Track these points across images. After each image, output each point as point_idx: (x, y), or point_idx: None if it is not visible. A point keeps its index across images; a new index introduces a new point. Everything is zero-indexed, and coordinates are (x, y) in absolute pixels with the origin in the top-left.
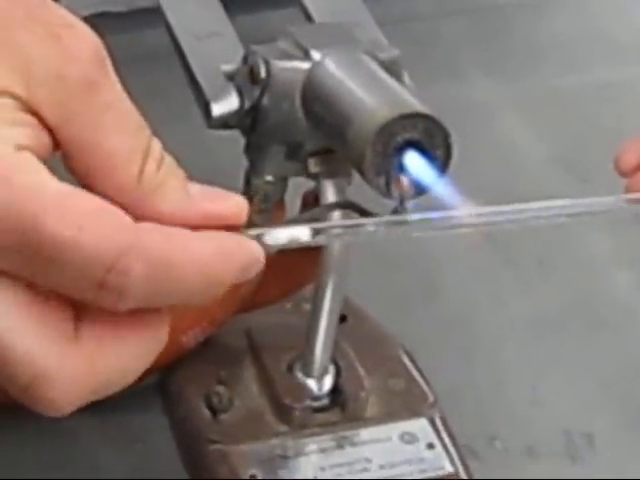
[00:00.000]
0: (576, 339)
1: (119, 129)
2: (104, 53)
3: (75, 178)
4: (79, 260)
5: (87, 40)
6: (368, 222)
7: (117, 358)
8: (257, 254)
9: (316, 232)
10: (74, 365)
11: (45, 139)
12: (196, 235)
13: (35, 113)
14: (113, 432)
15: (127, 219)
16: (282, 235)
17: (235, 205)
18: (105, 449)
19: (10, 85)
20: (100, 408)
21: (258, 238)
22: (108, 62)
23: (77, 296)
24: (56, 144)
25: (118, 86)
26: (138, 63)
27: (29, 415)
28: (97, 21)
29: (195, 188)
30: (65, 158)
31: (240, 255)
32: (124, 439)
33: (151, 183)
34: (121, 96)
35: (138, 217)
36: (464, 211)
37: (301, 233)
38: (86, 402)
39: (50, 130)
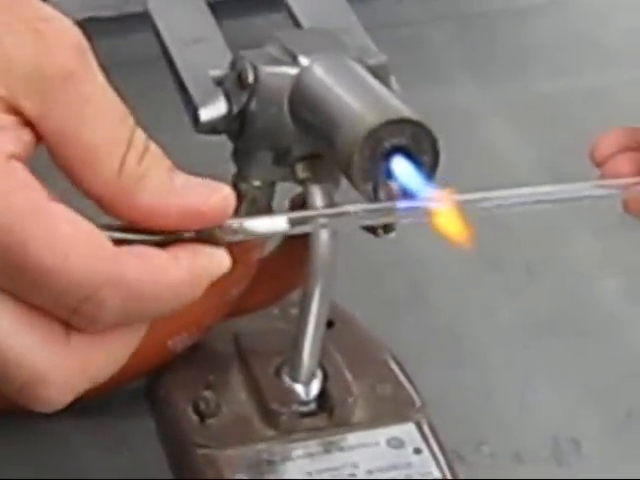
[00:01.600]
0: (564, 345)
1: (100, 121)
2: (85, 44)
3: (60, 169)
4: (59, 287)
5: (66, 32)
6: (345, 210)
7: (105, 354)
8: (226, 266)
9: (294, 222)
10: (66, 365)
11: (27, 136)
12: (171, 260)
13: (14, 109)
14: (101, 436)
15: (110, 248)
16: (261, 225)
17: (219, 202)
18: (92, 453)
19: None
20: (88, 412)
21: (236, 228)
22: (89, 54)
23: (53, 312)
24: (38, 137)
25: (100, 77)
26: (127, 68)
27: (17, 418)
28: (87, 26)
29: (180, 179)
30: (48, 150)
31: (211, 272)
32: (111, 443)
33: (132, 175)
34: (102, 87)
35: (118, 210)
36: (441, 198)
37: (279, 223)
38: (77, 395)
39: (31, 124)
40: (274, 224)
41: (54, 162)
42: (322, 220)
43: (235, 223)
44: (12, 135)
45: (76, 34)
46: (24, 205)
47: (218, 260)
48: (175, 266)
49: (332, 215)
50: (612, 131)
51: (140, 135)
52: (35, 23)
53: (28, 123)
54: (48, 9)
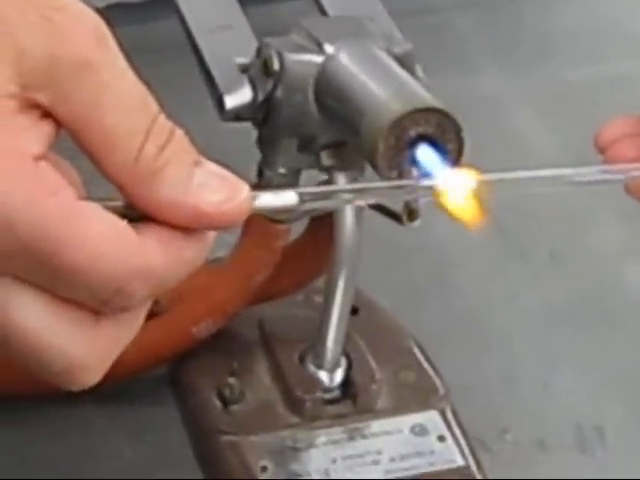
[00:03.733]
0: (588, 332)
1: (117, 108)
2: (104, 31)
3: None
4: (92, 284)
5: (82, 19)
6: (357, 187)
7: (130, 331)
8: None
9: (302, 198)
10: (99, 348)
11: (48, 128)
12: (187, 240)
13: (31, 103)
14: (125, 422)
15: (137, 242)
16: (269, 199)
17: (234, 207)
18: (117, 439)
19: (3, 85)
20: (112, 398)
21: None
22: (109, 40)
23: (85, 304)
24: (59, 125)
25: (120, 63)
26: (152, 54)
27: (42, 404)
28: (112, 12)
29: (200, 178)
30: (69, 134)
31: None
32: (135, 429)
33: (149, 166)
34: (122, 74)
35: (133, 200)
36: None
37: (288, 198)
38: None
39: (50, 114)
40: (284, 198)
41: (76, 145)
42: (343, 196)
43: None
44: (34, 134)
45: (93, 20)
46: (56, 210)
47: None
48: (191, 245)
49: (343, 192)
50: (616, 119)
51: (163, 125)
52: (48, 12)
53: (46, 114)
54: None
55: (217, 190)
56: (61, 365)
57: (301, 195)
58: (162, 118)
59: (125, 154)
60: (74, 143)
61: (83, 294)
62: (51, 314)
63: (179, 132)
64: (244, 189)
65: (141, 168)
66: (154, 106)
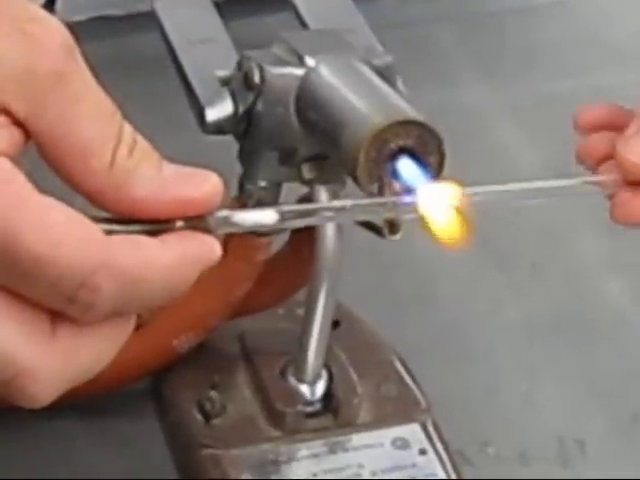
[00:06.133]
0: (569, 345)
1: (90, 118)
2: (73, 44)
3: (49, 166)
4: (53, 275)
5: (55, 32)
6: (334, 205)
7: (91, 350)
8: (217, 253)
9: (283, 216)
10: (52, 361)
11: (16, 135)
12: (162, 246)
13: (4, 110)
14: (106, 436)
15: (101, 234)
16: (249, 217)
17: (209, 189)
18: (97, 453)
19: None
20: (93, 412)
21: (226, 220)
22: (77, 53)
23: (47, 306)
24: (27, 137)
25: (88, 75)
26: (133, 67)
27: (22, 417)
28: (95, 25)
29: (169, 170)
30: (38, 148)
31: (202, 258)
32: (116, 443)
33: (123, 168)
34: (91, 85)
35: (112, 203)
36: (427, 193)
37: (267, 217)
38: (62, 392)
39: (20, 124)
40: (264, 216)
41: (43, 158)
42: (325, 214)
43: (225, 214)
44: (2, 134)
45: (64, 34)
46: (12, 197)
47: (209, 247)
48: (166, 251)
49: (324, 209)
50: (597, 106)
51: (129, 129)
52: (23, 24)
53: (17, 123)
54: (36, 9)
55: (189, 178)
56: (7, 372)
57: (282, 213)
58: (126, 124)
59: (101, 160)
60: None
61: (43, 288)
62: (3, 313)
63: (139, 136)
64: (212, 174)
65: (117, 172)
66: (119, 113)
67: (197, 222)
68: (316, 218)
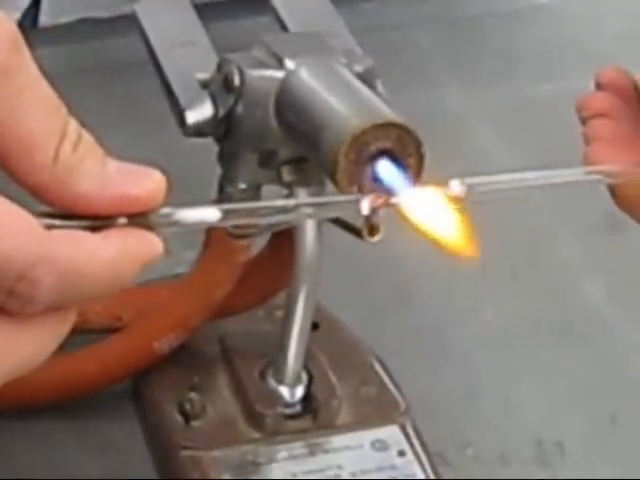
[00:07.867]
0: (549, 347)
1: (35, 112)
2: (19, 38)
3: None
4: None
5: (0, 26)
6: (283, 204)
7: (30, 343)
8: (158, 249)
9: (226, 214)
10: None
11: None
12: (102, 240)
13: None
14: (86, 437)
15: (40, 228)
16: (191, 215)
17: (152, 187)
18: (78, 454)
19: None
20: (74, 413)
21: (167, 217)
22: (24, 46)
23: None
24: None
25: (34, 69)
26: (115, 70)
27: (3, 420)
28: (79, 27)
29: (113, 166)
30: None
31: (143, 254)
32: (97, 444)
33: (67, 164)
34: (37, 79)
35: (55, 199)
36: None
37: (210, 214)
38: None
39: None
40: (206, 214)
41: None
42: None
43: (167, 211)
44: None
45: (9, 27)
46: None
47: (149, 243)
48: (107, 246)
49: (267, 208)
50: (598, 93)
51: (74, 125)
52: None
53: None
54: None
55: (132, 174)
56: None
57: (224, 211)
58: (72, 119)
59: (44, 155)
60: None
61: None
62: None
63: (85, 131)
64: (155, 171)
65: (60, 166)
66: (64, 109)
67: (139, 219)
68: (294, 214)
